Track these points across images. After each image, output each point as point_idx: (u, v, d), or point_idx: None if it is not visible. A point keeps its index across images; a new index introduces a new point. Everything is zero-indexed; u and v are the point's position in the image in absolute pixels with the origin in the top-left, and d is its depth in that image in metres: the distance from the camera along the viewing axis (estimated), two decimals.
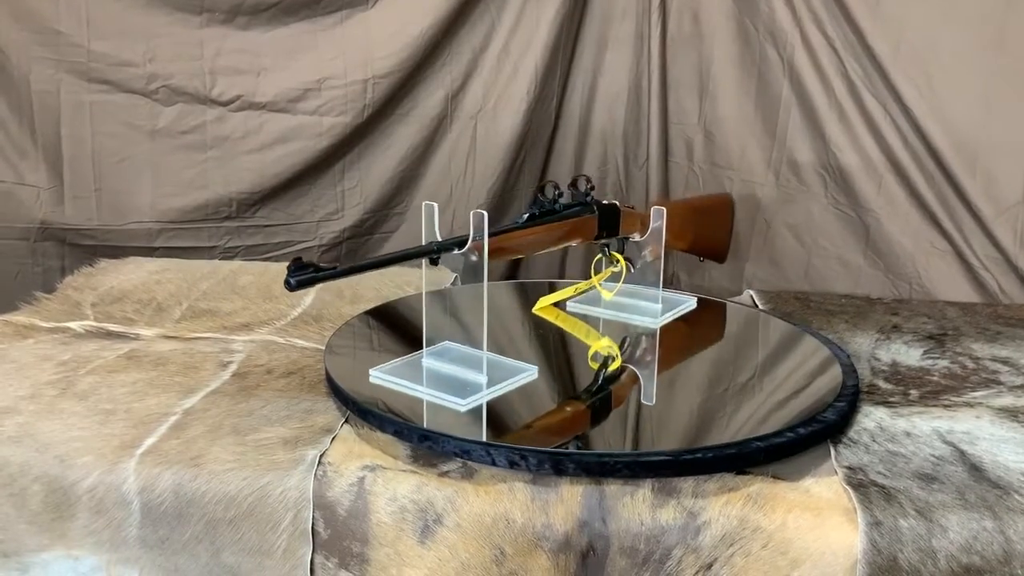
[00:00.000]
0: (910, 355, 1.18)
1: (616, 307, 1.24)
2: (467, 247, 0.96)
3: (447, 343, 1.06)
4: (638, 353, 1.16)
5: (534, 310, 1.26)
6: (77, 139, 1.63)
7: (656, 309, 1.23)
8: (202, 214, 1.67)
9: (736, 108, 1.70)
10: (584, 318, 1.25)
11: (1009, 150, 1.51)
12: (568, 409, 1.00)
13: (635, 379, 1.07)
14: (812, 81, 1.61)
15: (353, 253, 1.75)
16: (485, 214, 0.94)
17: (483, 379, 0.99)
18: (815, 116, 1.62)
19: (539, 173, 1.83)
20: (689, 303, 1.29)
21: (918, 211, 1.57)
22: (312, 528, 0.85)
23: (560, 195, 1.09)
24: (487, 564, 0.83)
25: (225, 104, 1.64)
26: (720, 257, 1.39)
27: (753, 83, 1.68)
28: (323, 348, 1.12)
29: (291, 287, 0.85)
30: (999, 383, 1.10)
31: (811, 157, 1.64)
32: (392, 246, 1.77)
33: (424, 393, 0.97)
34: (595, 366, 1.11)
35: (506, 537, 0.83)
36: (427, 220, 0.98)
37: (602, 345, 1.15)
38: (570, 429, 0.95)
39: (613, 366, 1.09)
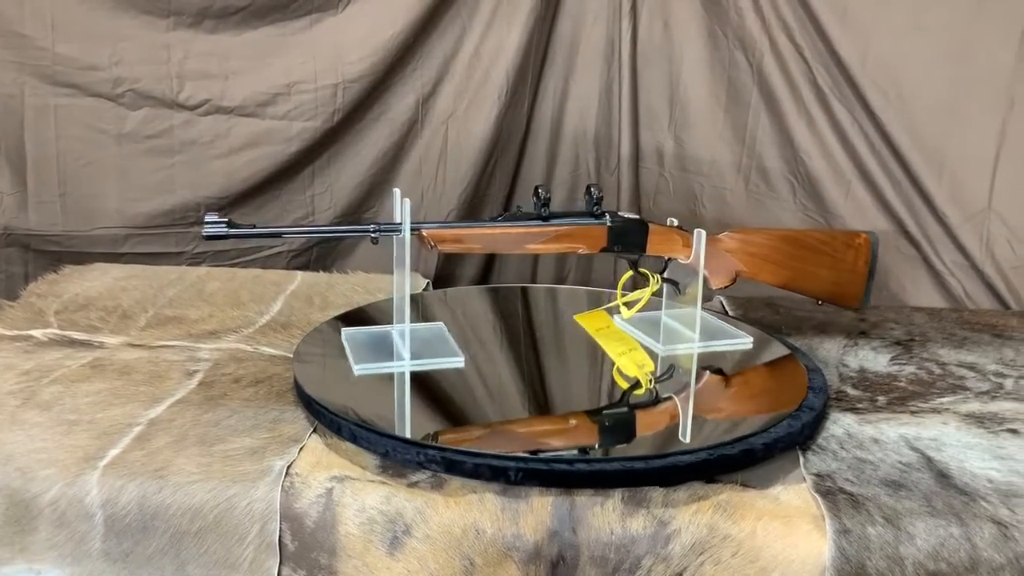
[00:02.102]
0: (878, 361, 1.19)
1: (663, 329, 1.18)
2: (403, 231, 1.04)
3: (440, 324, 1.17)
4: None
5: (576, 317, 1.24)
6: (41, 143, 1.60)
7: (691, 336, 1.14)
8: (169, 219, 1.65)
9: (706, 114, 1.70)
10: (624, 333, 1.19)
11: (975, 157, 1.53)
12: (545, 420, 1.00)
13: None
14: (781, 88, 1.62)
15: (323, 259, 1.73)
16: (407, 200, 1.04)
17: (406, 354, 1.06)
18: (784, 123, 1.63)
19: (511, 178, 1.83)
20: (742, 340, 1.18)
21: (885, 217, 1.58)
22: (279, 540, 0.84)
23: (549, 199, 1.08)
24: (456, 575, 0.83)
25: (193, 108, 1.62)
26: (845, 302, 1.20)
27: (723, 89, 1.68)
28: (292, 356, 1.11)
29: (203, 238, 0.99)
30: (965, 389, 1.11)
31: (780, 163, 1.65)
32: (362, 251, 1.76)
33: (350, 355, 1.08)
34: (622, 383, 1.08)
35: (476, 548, 0.82)
36: (394, 205, 1.08)
37: (624, 363, 1.10)
38: (537, 439, 0.95)
39: (639, 392, 1.05)
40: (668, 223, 1.15)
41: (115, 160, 1.63)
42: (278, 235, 1.11)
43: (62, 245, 1.64)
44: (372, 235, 1.03)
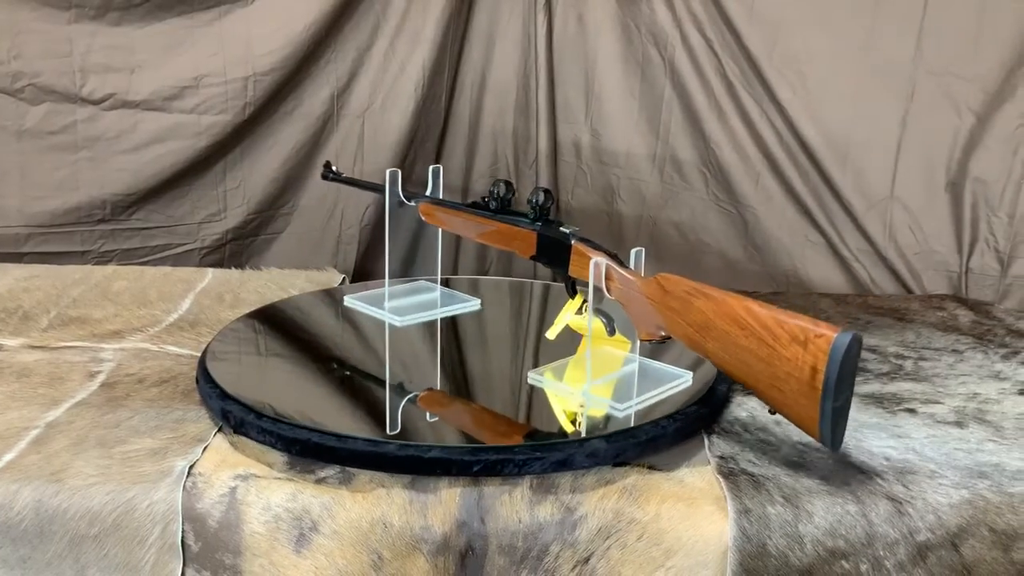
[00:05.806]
0: None
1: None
2: (413, 202, 1.22)
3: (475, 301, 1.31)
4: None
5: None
6: None
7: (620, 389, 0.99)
8: (74, 217, 1.60)
9: (621, 107, 1.72)
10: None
11: (878, 146, 1.58)
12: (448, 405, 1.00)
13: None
14: (692, 81, 1.64)
15: (237, 255, 1.70)
16: (438, 167, 1.24)
17: (387, 306, 1.24)
18: (696, 115, 1.65)
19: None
20: (624, 406, 0.95)
21: (793, 206, 1.62)
22: (182, 541, 0.82)
23: (495, 196, 1.08)
24: (365, 570, 0.82)
25: (97, 103, 1.57)
26: (796, 417, 0.85)
27: (637, 82, 1.70)
28: (199, 355, 1.09)
29: (322, 177, 1.37)
30: (866, 371, 1.15)
31: (692, 155, 1.68)
32: (279, 247, 1.73)
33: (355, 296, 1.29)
34: (560, 403, 0.99)
35: (384, 541, 0.82)
36: (431, 177, 1.23)
37: (552, 389, 1.01)
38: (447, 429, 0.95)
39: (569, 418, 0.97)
40: (561, 228, 1.01)
41: (15, 157, 1.57)
42: (357, 185, 1.34)
43: None
44: (401, 199, 1.22)
